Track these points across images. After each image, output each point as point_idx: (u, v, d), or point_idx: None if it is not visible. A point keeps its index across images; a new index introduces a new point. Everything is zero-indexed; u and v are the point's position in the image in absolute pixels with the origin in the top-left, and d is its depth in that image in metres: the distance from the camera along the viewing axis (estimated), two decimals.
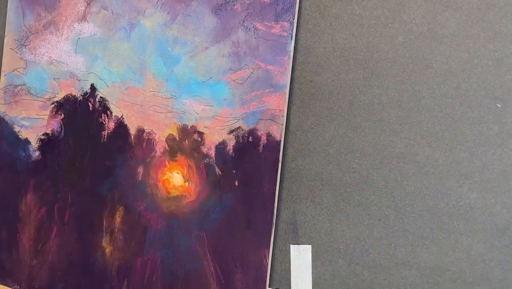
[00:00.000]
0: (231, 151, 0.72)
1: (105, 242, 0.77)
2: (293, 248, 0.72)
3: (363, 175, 0.69)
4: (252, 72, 0.71)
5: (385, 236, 0.69)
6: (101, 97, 0.79)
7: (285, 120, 0.70)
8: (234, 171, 0.71)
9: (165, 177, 0.75)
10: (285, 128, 0.71)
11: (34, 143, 0.83)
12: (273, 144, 0.70)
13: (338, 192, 0.70)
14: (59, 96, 0.82)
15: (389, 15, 0.68)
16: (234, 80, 0.71)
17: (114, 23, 0.76)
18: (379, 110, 0.69)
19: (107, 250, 0.77)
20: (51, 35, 0.79)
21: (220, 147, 0.72)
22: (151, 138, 0.75)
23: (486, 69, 0.65)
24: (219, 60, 0.72)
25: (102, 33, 0.77)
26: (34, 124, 0.83)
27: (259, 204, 0.71)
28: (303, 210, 0.72)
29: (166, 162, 0.75)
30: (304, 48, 0.71)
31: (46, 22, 0.79)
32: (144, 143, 0.76)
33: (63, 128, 0.81)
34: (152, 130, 0.75)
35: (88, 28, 0.78)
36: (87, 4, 0.77)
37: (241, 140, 0.71)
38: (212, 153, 0.73)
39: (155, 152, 0.76)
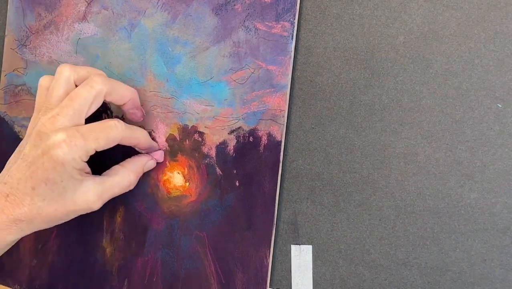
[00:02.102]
0: (232, 151, 0.72)
1: (105, 242, 0.77)
2: (294, 248, 0.72)
3: (363, 175, 0.69)
4: (252, 72, 0.70)
5: (385, 236, 0.69)
6: None
7: (285, 120, 0.70)
8: (235, 171, 0.71)
9: (165, 177, 0.75)
10: (286, 129, 0.71)
11: None
12: (273, 144, 0.70)
13: (338, 192, 0.70)
14: None
15: (390, 15, 0.68)
16: (234, 80, 0.71)
17: (114, 23, 0.76)
18: (380, 110, 0.69)
19: (108, 250, 0.77)
20: (51, 35, 0.79)
21: (221, 147, 0.72)
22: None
23: (487, 69, 0.65)
24: (219, 60, 0.72)
25: (102, 33, 0.77)
26: None
27: (260, 204, 0.70)
28: (304, 210, 0.71)
29: (167, 162, 0.75)
30: (305, 48, 0.71)
31: (47, 22, 0.79)
32: None
33: None
34: (152, 130, 0.75)
35: (88, 28, 0.77)
36: (88, 4, 0.77)
37: (241, 141, 0.71)
38: (213, 153, 0.72)
39: None
